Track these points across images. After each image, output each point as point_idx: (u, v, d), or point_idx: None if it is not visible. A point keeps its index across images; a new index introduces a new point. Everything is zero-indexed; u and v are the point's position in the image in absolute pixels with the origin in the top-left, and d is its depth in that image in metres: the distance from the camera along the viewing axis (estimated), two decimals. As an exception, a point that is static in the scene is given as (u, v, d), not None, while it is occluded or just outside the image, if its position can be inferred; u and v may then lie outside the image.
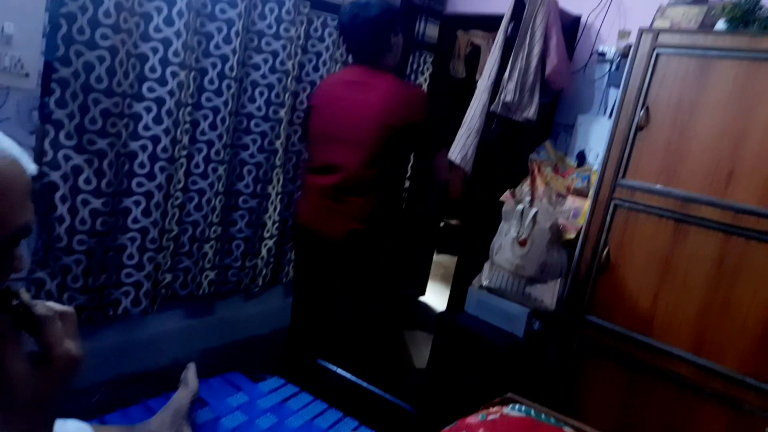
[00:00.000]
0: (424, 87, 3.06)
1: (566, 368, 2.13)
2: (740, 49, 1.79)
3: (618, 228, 2.03)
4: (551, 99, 2.54)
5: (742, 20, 1.85)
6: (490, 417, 1.10)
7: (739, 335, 1.76)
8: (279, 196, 2.52)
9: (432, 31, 3.04)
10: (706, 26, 1.98)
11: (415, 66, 3.01)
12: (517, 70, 2.40)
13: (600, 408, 2.07)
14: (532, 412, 1.11)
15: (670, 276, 1.90)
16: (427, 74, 3.08)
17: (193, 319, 2.44)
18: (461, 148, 2.50)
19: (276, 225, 2.55)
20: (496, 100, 2.43)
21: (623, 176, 2.02)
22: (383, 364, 2.10)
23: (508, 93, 2.41)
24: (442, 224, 4.47)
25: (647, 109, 1.98)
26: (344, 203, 1.99)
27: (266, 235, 2.51)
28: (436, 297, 3.72)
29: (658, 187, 1.93)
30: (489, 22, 2.66)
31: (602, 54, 2.43)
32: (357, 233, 1.98)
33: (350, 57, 2.17)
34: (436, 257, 4.45)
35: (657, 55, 1.96)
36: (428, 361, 2.39)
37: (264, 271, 2.56)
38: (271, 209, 2.49)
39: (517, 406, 1.12)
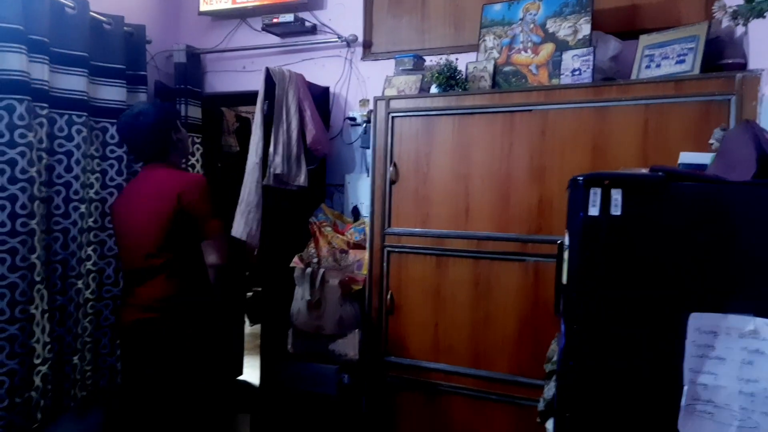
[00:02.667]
0: (198, 167, 3.04)
1: (379, 410, 2.27)
2: (450, 107, 2.18)
3: (394, 271, 2.26)
4: (318, 164, 2.74)
5: (448, 84, 2.25)
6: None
7: (503, 343, 2.09)
8: (46, 315, 2.25)
9: (194, 112, 3.06)
10: (424, 90, 2.37)
11: (183, 149, 2.97)
12: (281, 144, 2.56)
13: (416, 438, 2.24)
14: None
15: (441, 305, 2.18)
16: (198, 154, 3.07)
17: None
18: (245, 224, 2.54)
19: (49, 347, 2.27)
20: (267, 174, 2.54)
21: (389, 225, 2.27)
22: None
23: (277, 166, 2.54)
24: (250, 293, 4.40)
25: (395, 164, 2.27)
26: (140, 293, 1.95)
27: (37, 361, 2.21)
28: (256, 372, 3.62)
29: (417, 230, 2.22)
30: (249, 98, 2.79)
31: (353, 119, 2.72)
32: (149, 322, 1.92)
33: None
34: (249, 329, 4.35)
35: (392, 119, 2.27)
36: (249, 445, 2.32)
37: (42, 403, 2.23)
38: (38, 331, 2.21)
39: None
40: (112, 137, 2.59)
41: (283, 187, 2.59)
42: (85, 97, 2.44)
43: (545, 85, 2.14)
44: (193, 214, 1.91)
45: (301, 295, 2.45)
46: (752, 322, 1.06)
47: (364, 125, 2.58)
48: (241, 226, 2.56)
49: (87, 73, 2.44)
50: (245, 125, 3.82)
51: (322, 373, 2.31)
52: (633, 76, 2.02)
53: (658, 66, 1.96)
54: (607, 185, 1.19)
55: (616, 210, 1.18)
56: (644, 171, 1.28)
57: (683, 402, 1.09)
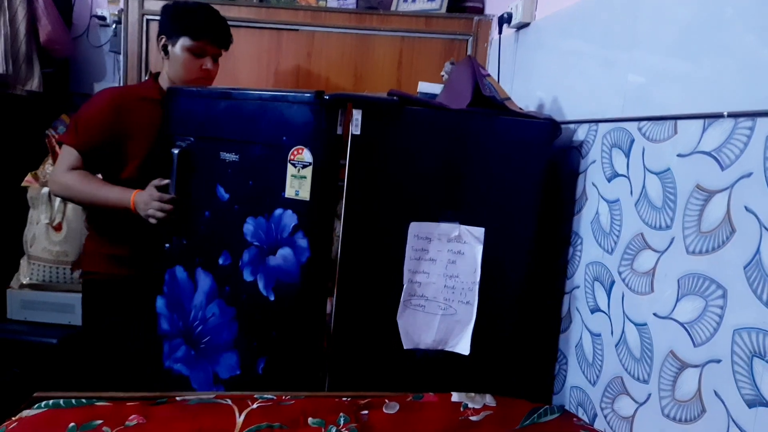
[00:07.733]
0: None
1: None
2: (260, 20, 2.03)
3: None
4: (57, 68, 2.34)
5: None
6: (10, 427, 1.03)
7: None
8: None
9: None
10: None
11: None
12: (2, 38, 2.10)
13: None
14: (60, 402, 1.09)
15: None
16: None
17: None
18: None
19: None
20: (-17, 73, 2.09)
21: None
22: None
23: (-2, 64, 2.10)
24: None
25: (151, 74, 2.05)
26: None
27: None
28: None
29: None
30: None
31: (102, 18, 2.37)
32: None
33: None
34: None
35: (148, 22, 2.03)
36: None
37: None
38: None
39: (40, 404, 1.08)
40: None
41: (8, 92, 2.16)
42: None
43: (312, 6, 2.13)
44: None
45: (37, 218, 2.14)
46: (457, 229, 1.26)
47: (115, 26, 2.27)
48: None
49: None
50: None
51: (66, 303, 2.08)
52: (392, 9, 2.13)
53: (414, 1, 2.10)
54: (350, 106, 1.26)
55: (356, 129, 1.26)
56: (383, 95, 1.37)
57: (402, 298, 1.25)
